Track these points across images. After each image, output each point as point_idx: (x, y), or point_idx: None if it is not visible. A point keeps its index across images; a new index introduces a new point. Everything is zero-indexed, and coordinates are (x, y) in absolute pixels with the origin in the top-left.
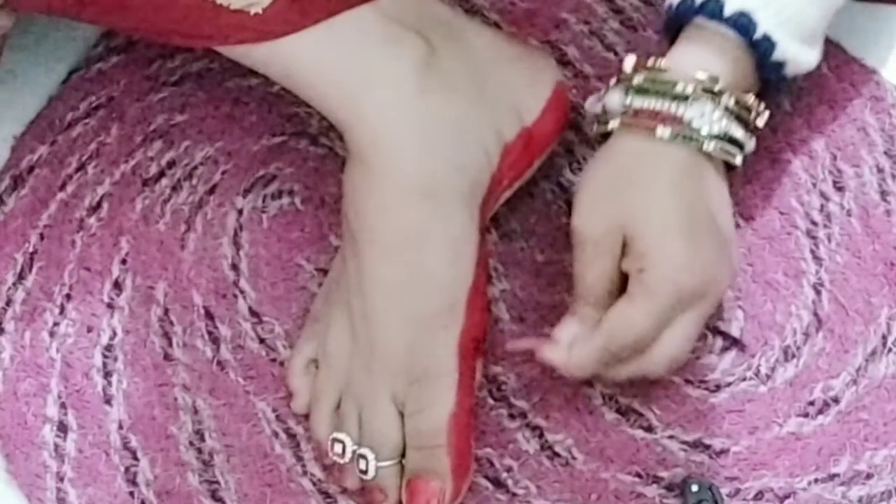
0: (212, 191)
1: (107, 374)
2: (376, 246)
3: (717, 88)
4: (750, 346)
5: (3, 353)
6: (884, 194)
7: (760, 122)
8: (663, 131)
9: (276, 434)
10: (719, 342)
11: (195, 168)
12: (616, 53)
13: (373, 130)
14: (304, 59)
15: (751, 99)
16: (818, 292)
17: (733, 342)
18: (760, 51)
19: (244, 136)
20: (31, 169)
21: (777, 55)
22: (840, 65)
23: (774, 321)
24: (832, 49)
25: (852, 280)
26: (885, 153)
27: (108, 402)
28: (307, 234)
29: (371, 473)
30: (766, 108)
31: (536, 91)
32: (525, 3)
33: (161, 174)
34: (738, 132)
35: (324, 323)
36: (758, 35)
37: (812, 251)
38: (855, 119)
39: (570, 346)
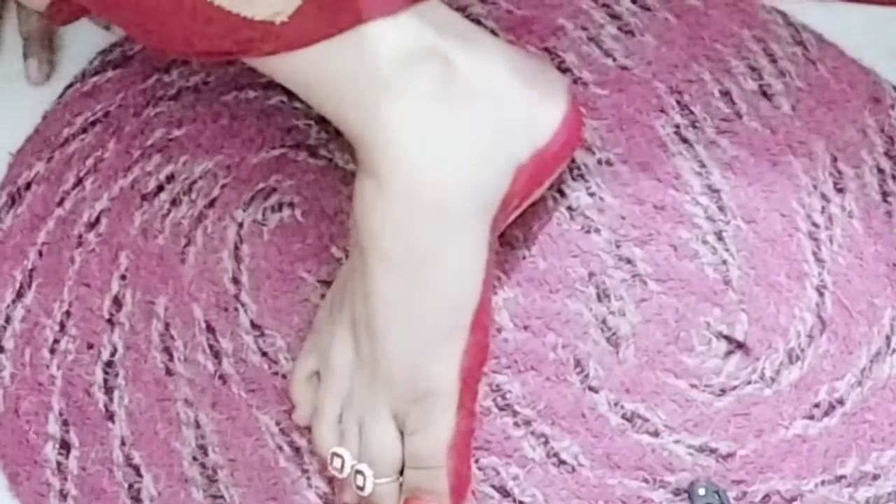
0: (211, 204)
1: (108, 391)
2: (385, 262)
3: None
4: (754, 349)
5: (4, 371)
6: (885, 195)
7: None
8: None
9: (280, 447)
10: (724, 346)
11: (194, 182)
12: (614, 59)
13: (388, 146)
14: (320, 71)
15: None
16: (821, 294)
17: (737, 346)
18: None
19: (243, 150)
20: (28, 185)
21: None
22: (839, 66)
23: (778, 324)
24: (831, 50)
25: (855, 281)
26: (886, 154)
27: (110, 418)
28: (308, 246)
29: (368, 490)
30: None
31: (551, 112)
32: (522, 10)
33: (160, 189)
34: None
35: (327, 335)
36: None
37: (814, 253)
38: (854, 120)
39: None
